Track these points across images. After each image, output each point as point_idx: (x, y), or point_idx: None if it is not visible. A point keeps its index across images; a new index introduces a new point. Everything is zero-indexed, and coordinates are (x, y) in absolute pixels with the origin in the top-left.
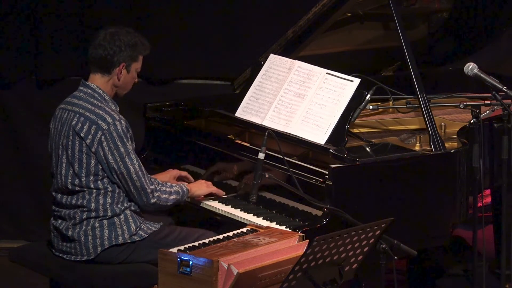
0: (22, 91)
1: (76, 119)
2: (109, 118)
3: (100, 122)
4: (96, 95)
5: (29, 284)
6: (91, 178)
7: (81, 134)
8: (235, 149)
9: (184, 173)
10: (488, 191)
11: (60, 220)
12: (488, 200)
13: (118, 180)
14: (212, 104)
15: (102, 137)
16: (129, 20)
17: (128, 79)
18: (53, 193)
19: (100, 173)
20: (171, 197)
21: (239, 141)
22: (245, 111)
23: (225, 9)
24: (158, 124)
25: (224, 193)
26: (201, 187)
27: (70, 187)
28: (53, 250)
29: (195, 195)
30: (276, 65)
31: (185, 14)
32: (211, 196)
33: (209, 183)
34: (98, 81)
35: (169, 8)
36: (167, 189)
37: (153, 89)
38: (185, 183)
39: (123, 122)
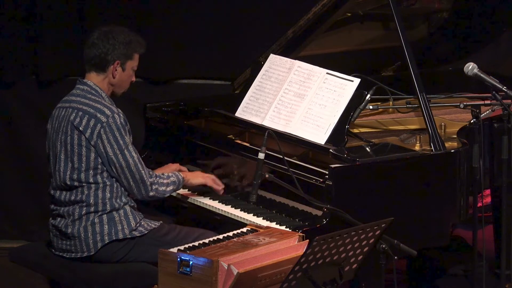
0: (22, 91)
1: (74, 114)
2: (108, 111)
3: (99, 115)
4: (93, 92)
5: (29, 284)
6: (91, 172)
7: (80, 128)
8: (235, 149)
9: (184, 169)
10: (488, 191)
11: (59, 219)
12: (488, 200)
13: (117, 174)
14: (212, 104)
15: (102, 130)
16: (129, 20)
17: (124, 77)
18: (51, 192)
19: (99, 166)
20: (169, 188)
21: (239, 141)
22: (245, 111)
23: (225, 9)
24: (158, 124)
25: (221, 188)
26: (197, 177)
27: (68, 183)
28: (53, 250)
29: (188, 184)
30: (276, 65)
31: (185, 14)
32: (206, 188)
33: (207, 175)
34: (94, 79)
35: (169, 8)
36: (164, 181)
37: (153, 89)
38: (181, 172)
39: (121, 115)
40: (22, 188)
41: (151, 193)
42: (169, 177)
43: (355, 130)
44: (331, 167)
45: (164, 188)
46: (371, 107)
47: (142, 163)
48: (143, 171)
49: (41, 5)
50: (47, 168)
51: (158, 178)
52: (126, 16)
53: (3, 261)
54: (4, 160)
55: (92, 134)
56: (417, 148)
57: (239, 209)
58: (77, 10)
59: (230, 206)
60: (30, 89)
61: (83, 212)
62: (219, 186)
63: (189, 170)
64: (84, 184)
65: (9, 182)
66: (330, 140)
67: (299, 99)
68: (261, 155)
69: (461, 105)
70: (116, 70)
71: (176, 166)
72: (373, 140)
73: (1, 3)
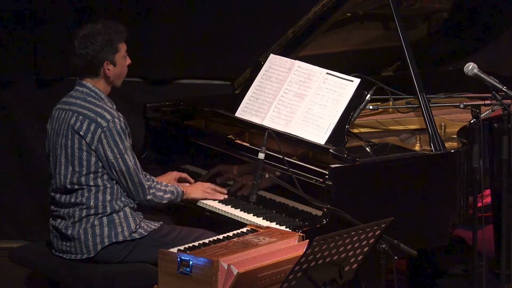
0: (22, 91)
1: (74, 117)
2: (108, 116)
3: (99, 119)
4: (93, 94)
5: (29, 284)
6: (91, 175)
7: (81, 132)
8: (235, 149)
9: (184, 175)
10: (488, 191)
11: (59, 220)
12: (488, 200)
13: (117, 176)
14: (212, 104)
15: (102, 134)
16: (129, 20)
17: (118, 70)
18: (52, 194)
19: (99, 170)
20: (166, 196)
21: (239, 141)
22: (245, 111)
23: (225, 9)
24: (158, 124)
25: (223, 196)
26: (196, 191)
27: (69, 186)
28: (53, 251)
29: (189, 198)
30: (276, 65)
31: (185, 14)
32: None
33: (207, 186)
34: (90, 82)
35: (169, 7)
36: (162, 188)
37: (153, 89)
38: (181, 186)
39: (121, 119)
40: (22, 188)
41: (148, 197)
42: (168, 186)
43: (355, 130)
44: (331, 167)
45: (161, 194)
46: (371, 107)
47: (139, 166)
48: (141, 175)
49: (41, 5)
50: (47, 168)
51: (155, 183)
52: (126, 16)
53: (3, 261)
54: (4, 160)
55: (93, 139)
56: (417, 148)
57: (239, 209)
58: (77, 10)
59: (230, 206)
60: (30, 89)
61: (83, 214)
62: (220, 196)
63: (189, 170)
64: (84, 187)
65: (9, 182)
66: (330, 140)
67: (299, 99)
68: (261, 155)
69: (461, 105)
70: (108, 69)
71: (176, 173)
72: (373, 140)
73: (1, 3)
